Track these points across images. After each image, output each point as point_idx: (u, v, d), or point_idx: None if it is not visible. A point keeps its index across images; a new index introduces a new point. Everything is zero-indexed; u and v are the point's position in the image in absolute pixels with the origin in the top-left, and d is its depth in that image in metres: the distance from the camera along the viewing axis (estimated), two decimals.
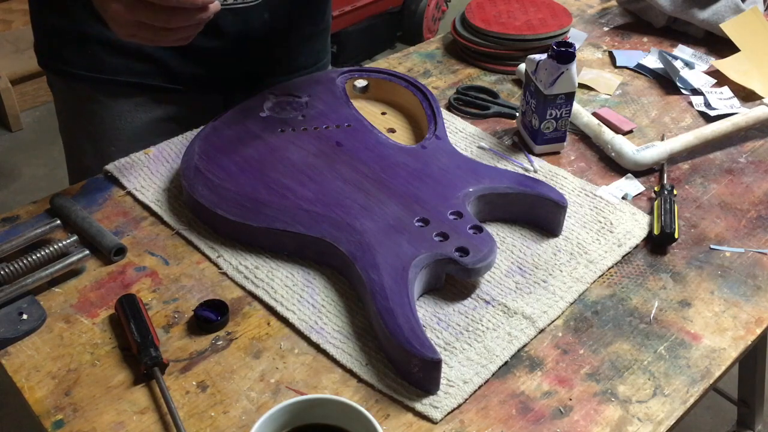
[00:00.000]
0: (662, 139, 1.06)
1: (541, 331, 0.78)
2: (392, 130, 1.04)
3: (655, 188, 0.96)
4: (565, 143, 1.04)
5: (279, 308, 0.79)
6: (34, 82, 2.81)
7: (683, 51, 1.29)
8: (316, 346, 0.75)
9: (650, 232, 0.90)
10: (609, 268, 0.86)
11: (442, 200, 0.86)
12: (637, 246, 0.89)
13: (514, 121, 1.11)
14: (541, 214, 0.89)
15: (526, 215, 0.90)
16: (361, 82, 1.11)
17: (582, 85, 1.19)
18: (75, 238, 0.83)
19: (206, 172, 0.89)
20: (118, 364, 0.73)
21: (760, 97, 1.16)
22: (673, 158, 1.02)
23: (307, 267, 0.84)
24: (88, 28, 1.03)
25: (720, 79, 1.21)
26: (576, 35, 1.33)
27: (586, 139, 1.07)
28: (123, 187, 0.94)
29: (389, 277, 0.76)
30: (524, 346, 0.76)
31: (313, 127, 0.97)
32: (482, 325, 0.78)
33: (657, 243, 0.89)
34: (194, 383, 0.71)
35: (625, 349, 0.77)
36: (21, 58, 2.80)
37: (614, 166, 1.02)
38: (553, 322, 0.79)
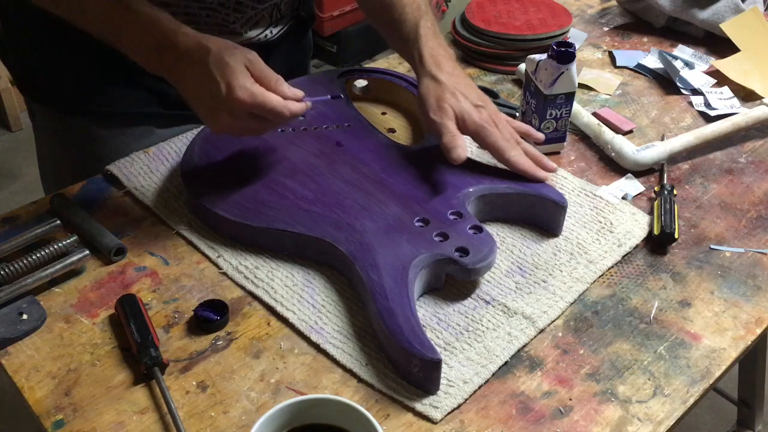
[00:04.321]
0: (662, 139, 1.06)
1: (541, 331, 0.78)
2: (392, 130, 1.04)
3: (655, 188, 0.96)
4: (565, 143, 1.04)
5: (279, 308, 0.79)
6: None
7: (683, 51, 1.29)
8: (316, 346, 0.75)
9: (650, 232, 0.90)
10: (609, 268, 0.86)
11: (442, 200, 0.86)
12: (637, 246, 0.89)
13: None
14: (541, 214, 0.89)
15: (526, 215, 0.90)
16: (361, 82, 1.11)
17: (582, 85, 1.19)
18: (75, 238, 0.83)
19: (206, 172, 0.89)
20: (118, 364, 0.73)
21: (760, 97, 1.16)
22: (673, 158, 1.02)
23: (307, 267, 0.84)
24: (85, 61, 0.98)
25: (720, 79, 1.21)
26: (576, 35, 1.33)
27: (586, 139, 1.07)
28: (123, 187, 0.94)
29: (389, 277, 0.76)
30: (524, 346, 0.76)
31: (313, 127, 0.97)
32: (482, 325, 0.78)
33: (657, 243, 0.89)
34: (194, 383, 0.71)
35: (625, 349, 0.77)
36: None
37: (614, 166, 1.02)
38: (553, 322, 0.79)
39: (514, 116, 1.11)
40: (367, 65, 1.18)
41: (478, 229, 0.83)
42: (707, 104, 1.15)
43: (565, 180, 0.98)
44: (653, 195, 0.96)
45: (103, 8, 0.83)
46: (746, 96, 1.18)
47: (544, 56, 0.99)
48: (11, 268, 0.78)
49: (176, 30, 0.81)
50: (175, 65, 0.81)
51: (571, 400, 0.71)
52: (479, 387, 0.72)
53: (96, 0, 0.83)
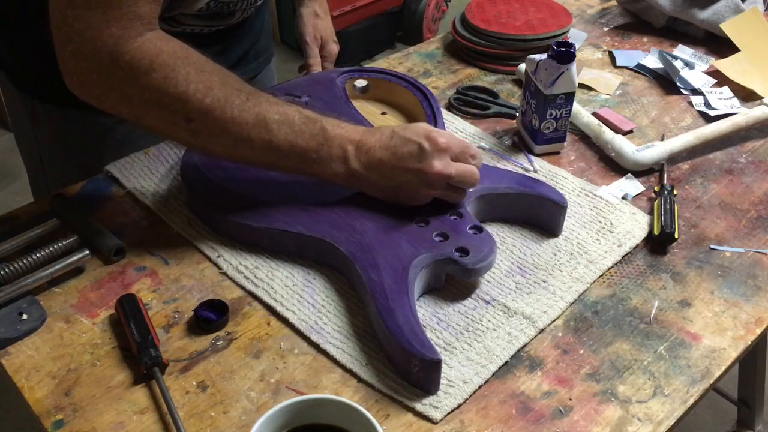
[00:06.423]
0: (662, 139, 1.06)
1: (541, 331, 0.78)
2: None
3: (655, 188, 0.96)
4: (565, 143, 1.04)
5: (279, 308, 0.79)
6: None
7: (683, 51, 1.29)
8: (316, 346, 0.75)
9: (650, 232, 0.90)
10: (609, 268, 0.86)
11: (442, 200, 0.86)
12: (637, 246, 0.89)
13: (514, 121, 1.11)
14: (541, 214, 0.89)
15: (526, 215, 0.90)
16: (361, 82, 1.11)
17: (582, 85, 1.19)
18: (75, 238, 0.83)
19: (206, 172, 0.89)
20: (118, 364, 0.73)
21: (760, 97, 1.16)
22: (673, 158, 1.02)
23: (307, 267, 0.84)
24: None
25: (720, 79, 1.21)
26: (576, 35, 1.33)
27: (586, 139, 1.07)
28: (123, 187, 0.94)
29: (389, 277, 0.76)
30: (524, 346, 0.76)
31: None
32: (482, 325, 0.78)
33: (657, 243, 0.89)
34: (194, 383, 0.71)
35: (625, 349, 0.77)
36: None
37: (614, 166, 1.02)
38: (553, 322, 0.79)
39: (513, 116, 1.11)
40: (367, 65, 1.18)
41: (478, 229, 0.83)
42: (707, 104, 1.15)
43: (565, 180, 0.98)
44: (653, 195, 0.96)
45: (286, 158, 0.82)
46: (746, 96, 1.18)
47: (544, 56, 0.99)
48: (11, 268, 0.78)
49: (350, 128, 0.83)
50: (366, 157, 0.82)
51: (571, 400, 0.71)
52: (479, 387, 0.72)
53: (261, 147, 0.80)
